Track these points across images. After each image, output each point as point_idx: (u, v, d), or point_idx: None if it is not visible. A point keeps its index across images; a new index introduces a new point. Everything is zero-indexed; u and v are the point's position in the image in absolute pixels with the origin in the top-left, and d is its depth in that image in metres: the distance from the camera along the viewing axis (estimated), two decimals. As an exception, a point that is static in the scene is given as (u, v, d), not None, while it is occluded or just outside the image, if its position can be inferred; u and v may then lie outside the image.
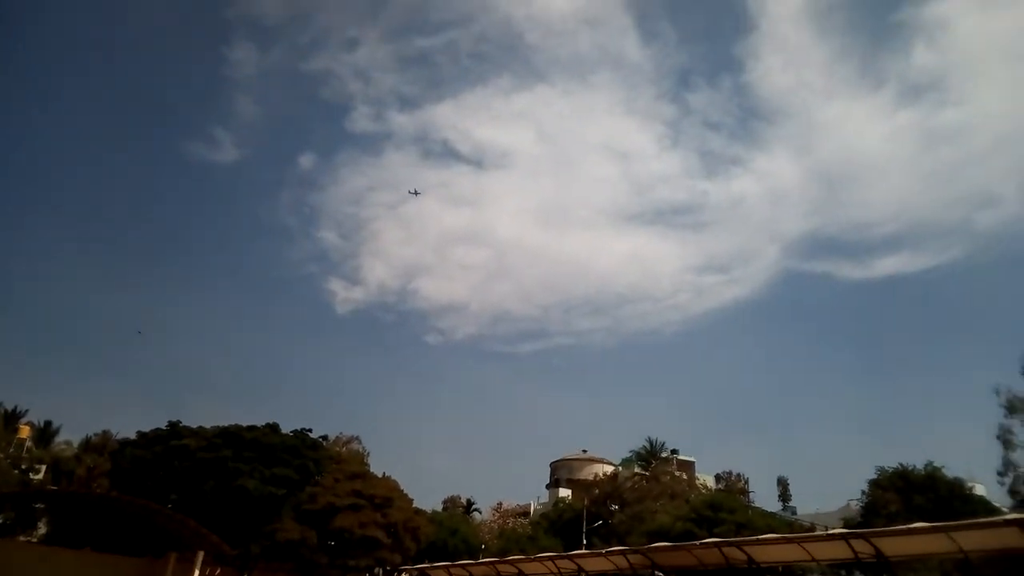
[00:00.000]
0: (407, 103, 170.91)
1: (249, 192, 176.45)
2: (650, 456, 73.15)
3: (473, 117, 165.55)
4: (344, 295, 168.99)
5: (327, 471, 46.52)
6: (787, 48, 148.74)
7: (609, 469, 75.02)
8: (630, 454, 77.50)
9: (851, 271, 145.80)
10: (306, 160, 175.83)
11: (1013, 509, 37.43)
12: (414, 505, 50.46)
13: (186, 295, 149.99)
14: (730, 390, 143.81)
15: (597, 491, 62.02)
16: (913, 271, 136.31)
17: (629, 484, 62.37)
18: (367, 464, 56.44)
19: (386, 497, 44.96)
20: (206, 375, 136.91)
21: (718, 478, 73.73)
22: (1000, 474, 44.03)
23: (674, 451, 78.08)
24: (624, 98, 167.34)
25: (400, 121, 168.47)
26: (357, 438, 64.26)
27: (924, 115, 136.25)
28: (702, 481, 69.06)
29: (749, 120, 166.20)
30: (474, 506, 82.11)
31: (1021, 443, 43.20)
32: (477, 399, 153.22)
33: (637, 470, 69.75)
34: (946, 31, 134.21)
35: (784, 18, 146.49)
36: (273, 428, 46.90)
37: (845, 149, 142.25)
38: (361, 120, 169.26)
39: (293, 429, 48.83)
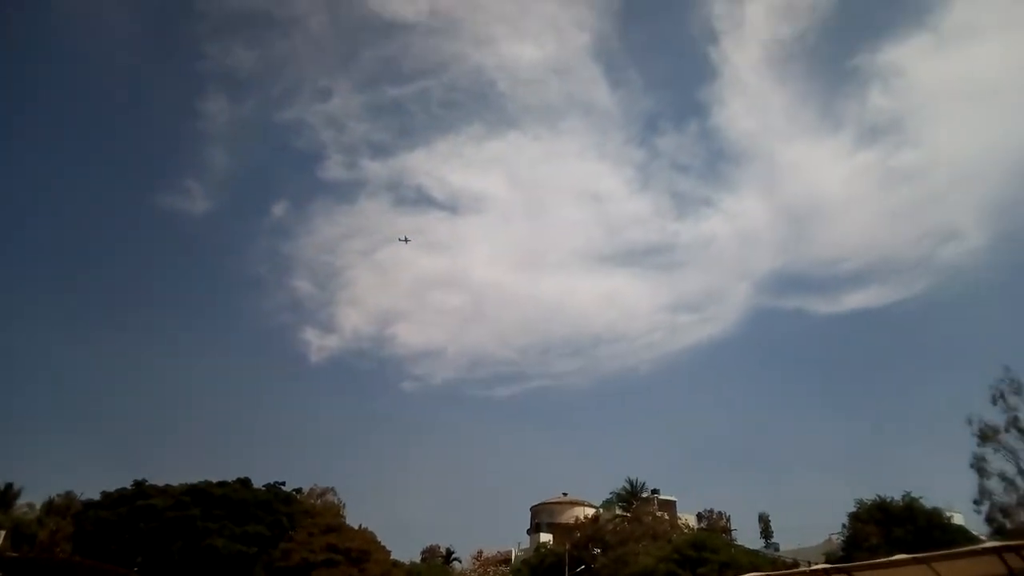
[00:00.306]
0: (380, 151, 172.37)
1: (221, 242, 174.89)
2: (631, 497, 72.35)
3: (446, 164, 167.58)
4: (319, 343, 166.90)
5: (301, 526, 45.21)
6: (749, 93, 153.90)
7: (590, 512, 73.96)
8: (611, 495, 76.53)
9: (821, 306, 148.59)
10: (279, 209, 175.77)
11: (991, 537, 37.59)
12: (392, 557, 49.15)
13: (153, 348, 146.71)
14: (708, 427, 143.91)
15: (579, 535, 60.99)
16: (880, 305, 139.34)
17: (611, 526, 61.46)
18: (343, 516, 55.06)
19: (363, 550, 43.74)
20: (174, 430, 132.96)
21: (700, 517, 73.05)
22: (976, 503, 44.37)
23: (655, 491, 77.33)
24: (594, 143, 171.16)
25: (373, 169, 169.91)
26: (332, 489, 62.68)
27: (883, 156, 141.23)
28: (684, 520, 68.33)
29: (716, 162, 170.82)
30: (454, 555, 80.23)
31: (995, 471, 43.75)
32: (455, 445, 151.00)
33: (618, 512, 68.84)
34: (900, 76, 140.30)
35: (745, 66, 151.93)
36: (244, 483, 45.69)
37: (809, 189, 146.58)
38: (334, 168, 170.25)
39: (265, 483, 47.69)
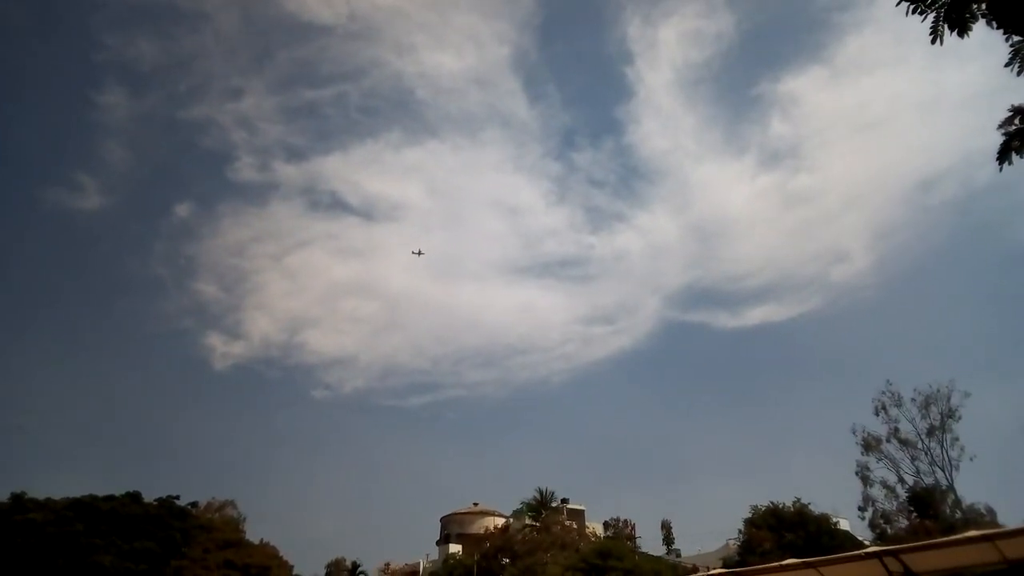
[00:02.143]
0: (294, 154, 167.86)
1: (117, 242, 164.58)
2: (541, 506, 72.79)
3: (363, 170, 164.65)
4: (223, 350, 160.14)
5: (196, 541, 43.04)
6: (662, 114, 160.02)
7: (501, 522, 74.05)
8: (521, 505, 76.79)
9: (726, 320, 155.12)
10: (183, 209, 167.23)
11: (873, 542, 40.22)
12: (295, 572, 47.55)
13: (36, 351, 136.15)
14: (617, 437, 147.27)
15: (488, 545, 60.95)
16: (779, 320, 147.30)
17: (520, 536, 61.75)
18: (243, 531, 52.85)
19: (263, 566, 42.13)
20: (58, 440, 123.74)
21: (606, 525, 74.41)
22: (861, 509, 47.70)
23: (564, 500, 78.16)
24: (513, 155, 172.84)
25: (287, 172, 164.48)
26: (232, 503, 59.87)
27: (782, 179, 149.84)
28: (592, 529, 69.50)
29: (630, 179, 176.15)
30: (360, 568, 78.29)
31: (877, 479, 47.07)
32: (365, 455, 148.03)
33: (528, 521, 69.22)
34: (798, 105, 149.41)
35: (659, 87, 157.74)
36: (134, 497, 43.13)
37: (716, 208, 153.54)
38: (245, 170, 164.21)
39: (158, 497, 45.07)
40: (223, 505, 57.98)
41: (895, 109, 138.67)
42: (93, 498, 41.03)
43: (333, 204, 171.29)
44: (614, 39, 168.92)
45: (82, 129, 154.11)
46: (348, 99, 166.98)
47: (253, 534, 53.18)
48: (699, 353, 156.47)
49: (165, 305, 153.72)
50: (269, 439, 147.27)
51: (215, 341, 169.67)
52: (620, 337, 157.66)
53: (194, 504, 55.54)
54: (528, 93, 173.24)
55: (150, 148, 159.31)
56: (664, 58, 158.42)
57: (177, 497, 52.21)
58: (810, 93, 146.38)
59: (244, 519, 58.62)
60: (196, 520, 49.85)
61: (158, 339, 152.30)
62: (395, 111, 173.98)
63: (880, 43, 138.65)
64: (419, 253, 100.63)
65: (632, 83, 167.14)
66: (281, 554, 51.65)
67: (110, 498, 41.67)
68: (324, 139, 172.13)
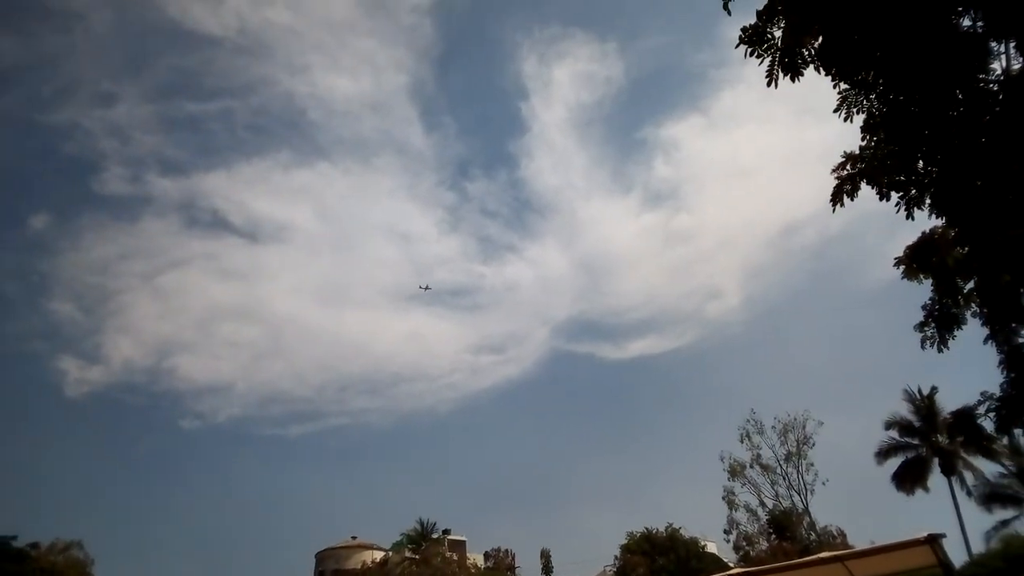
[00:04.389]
0: (172, 168, 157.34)
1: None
2: (421, 538, 71.38)
3: (248, 189, 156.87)
4: (78, 375, 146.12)
5: (34, 587, 38.80)
6: (555, 151, 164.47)
7: (380, 555, 71.74)
8: (401, 537, 74.98)
9: (609, 352, 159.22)
10: (39, 221, 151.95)
11: (737, 563, 42.19)
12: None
13: None
14: (501, 466, 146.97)
15: (365, 580, 58.78)
16: (658, 352, 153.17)
17: (399, 570, 60.07)
18: (91, 574, 48.25)
19: (112, 612, 38.42)
20: None
21: (487, 555, 73.88)
22: (726, 531, 50.12)
23: (446, 531, 77.07)
24: (406, 183, 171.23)
25: (163, 186, 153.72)
26: (79, 543, 54.43)
27: (664, 218, 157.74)
28: (472, 560, 68.76)
29: (523, 211, 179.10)
30: (225, 611, 73.25)
31: (742, 503, 49.74)
32: (237, 489, 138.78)
33: (408, 554, 67.57)
34: (678, 150, 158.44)
35: (551, 125, 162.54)
36: (-40, 539, 38.26)
37: (603, 243, 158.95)
38: (114, 182, 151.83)
39: (-11, 538, 40.35)
40: (68, 546, 52.63)
41: (763, 160, 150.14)
42: (-93, 541, 36.11)
43: (214, 223, 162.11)
44: (510, 74, 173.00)
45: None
46: (234, 115, 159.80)
47: (104, 576, 48.81)
48: (583, 383, 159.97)
49: (12, 325, 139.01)
50: (126, 473, 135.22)
51: (69, 365, 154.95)
52: (508, 366, 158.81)
53: (34, 545, 50.42)
54: (424, 122, 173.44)
55: (2, 152, 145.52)
56: (557, 97, 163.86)
57: (14, 537, 47.75)
58: (689, 139, 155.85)
59: (93, 561, 53.66)
60: (35, 563, 45.45)
61: (1, 361, 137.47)
62: (285, 131, 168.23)
63: (750, 100, 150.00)
64: (426, 288, 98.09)
65: (527, 118, 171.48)
66: (134, 598, 47.75)
67: (-71, 541, 36.83)
68: (206, 155, 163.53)
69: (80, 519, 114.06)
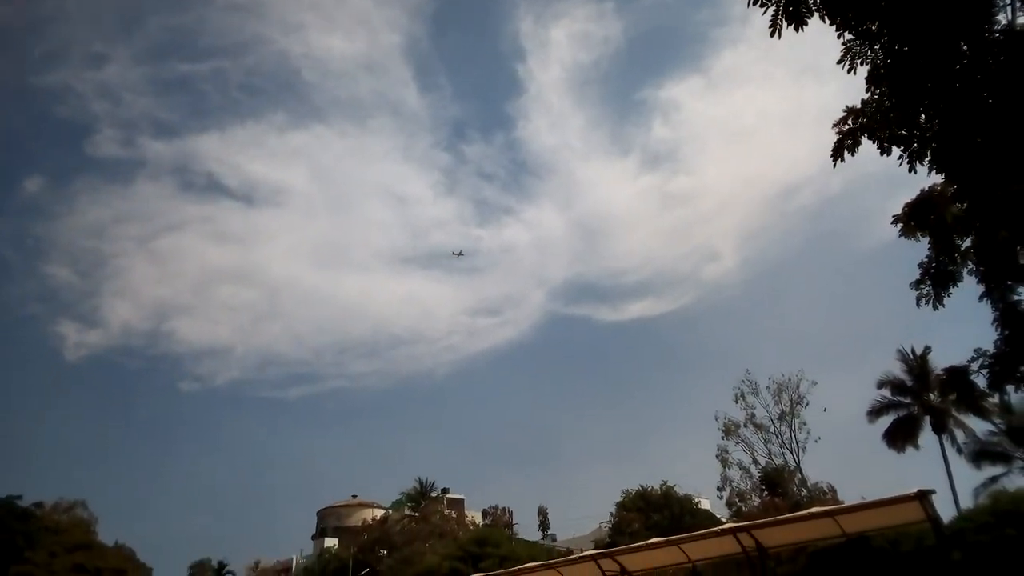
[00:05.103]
0: (165, 130, 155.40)
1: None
2: (420, 497, 72.72)
3: (243, 152, 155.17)
4: (77, 339, 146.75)
5: (41, 545, 39.56)
6: (552, 112, 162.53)
7: (380, 513, 73.09)
8: (401, 496, 76.39)
9: (606, 314, 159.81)
10: (33, 184, 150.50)
11: (729, 519, 43.06)
12: (153, 575, 44.74)
13: None
14: (499, 427, 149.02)
15: (366, 537, 59.95)
16: (655, 314, 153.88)
17: (399, 527, 61.21)
18: (95, 532, 49.11)
19: (118, 569, 39.48)
20: None
21: (485, 513, 75.37)
22: (719, 489, 51.11)
23: (445, 490, 78.48)
24: (402, 144, 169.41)
25: (156, 149, 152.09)
26: (83, 503, 55.36)
27: (662, 180, 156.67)
28: (471, 518, 70.07)
29: (519, 173, 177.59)
30: (227, 568, 74.75)
31: (735, 461, 50.61)
32: (237, 450, 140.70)
33: (408, 512, 68.84)
34: (678, 111, 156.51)
35: (549, 85, 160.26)
36: (-34, 498, 38.87)
37: (600, 205, 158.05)
38: (107, 144, 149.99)
39: (-5, 498, 41.02)
40: (72, 505, 53.59)
41: (762, 121, 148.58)
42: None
43: (209, 186, 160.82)
44: (506, 35, 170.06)
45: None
46: (227, 76, 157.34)
47: (107, 536, 49.70)
48: (580, 345, 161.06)
49: (10, 289, 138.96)
50: (127, 435, 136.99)
51: (68, 329, 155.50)
52: (505, 329, 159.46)
53: (39, 505, 51.26)
54: (419, 83, 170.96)
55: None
56: (554, 57, 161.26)
57: (19, 497, 48.41)
58: (689, 100, 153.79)
59: (96, 520, 54.62)
60: (41, 522, 46.13)
61: (0, 326, 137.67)
62: (280, 92, 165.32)
63: (750, 60, 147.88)
64: (459, 254, 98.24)
65: (523, 79, 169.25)
66: (138, 556, 48.72)
67: (-64, 500, 37.44)
68: (199, 116, 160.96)
69: (83, 480, 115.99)
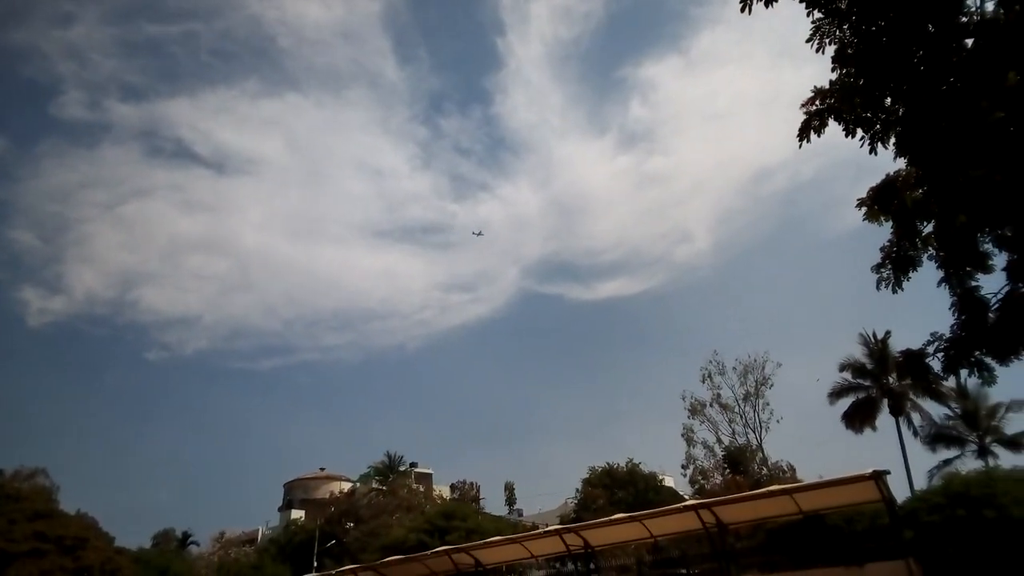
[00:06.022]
0: (132, 93, 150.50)
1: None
2: (388, 471, 73.00)
3: (214, 118, 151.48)
4: (40, 305, 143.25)
5: (1, 512, 38.87)
6: (530, 88, 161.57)
7: (347, 486, 73.20)
8: (369, 469, 76.61)
9: (579, 293, 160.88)
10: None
11: (692, 496, 43.94)
12: (116, 544, 44.31)
13: None
14: (469, 402, 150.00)
15: (333, 510, 60.05)
16: (628, 295, 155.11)
17: (366, 500, 61.40)
18: (56, 501, 48.34)
19: (79, 538, 38.82)
20: None
21: (453, 488, 75.94)
22: (684, 467, 52.02)
23: (413, 464, 78.87)
24: (379, 116, 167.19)
25: (122, 112, 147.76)
26: (43, 470, 54.43)
27: (638, 160, 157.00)
28: (438, 492, 70.54)
29: (497, 149, 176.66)
30: (191, 539, 74.47)
31: (700, 440, 51.51)
32: (205, 421, 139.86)
33: (375, 485, 69.07)
34: (656, 91, 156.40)
35: (528, 61, 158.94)
36: (-80, 465, 37.94)
37: (577, 184, 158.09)
38: (72, 106, 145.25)
39: (-49, 465, 40.09)
40: (32, 473, 52.54)
41: (738, 103, 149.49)
42: None
43: (178, 152, 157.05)
44: (487, 8, 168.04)
45: None
46: (198, 39, 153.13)
47: (70, 505, 48.95)
48: (552, 323, 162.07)
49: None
50: (91, 404, 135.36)
51: (30, 295, 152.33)
52: (478, 305, 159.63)
53: (-2, 472, 50.42)
54: (398, 54, 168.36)
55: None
56: (535, 32, 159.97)
57: (-22, 464, 47.61)
58: (667, 80, 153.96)
59: (58, 489, 53.79)
60: (1, 490, 45.26)
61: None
62: (253, 58, 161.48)
63: (729, 41, 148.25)
64: (479, 233, 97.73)
65: (503, 54, 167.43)
66: (101, 525, 48.15)
67: None
68: (169, 80, 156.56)
69: (48, 449, 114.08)
